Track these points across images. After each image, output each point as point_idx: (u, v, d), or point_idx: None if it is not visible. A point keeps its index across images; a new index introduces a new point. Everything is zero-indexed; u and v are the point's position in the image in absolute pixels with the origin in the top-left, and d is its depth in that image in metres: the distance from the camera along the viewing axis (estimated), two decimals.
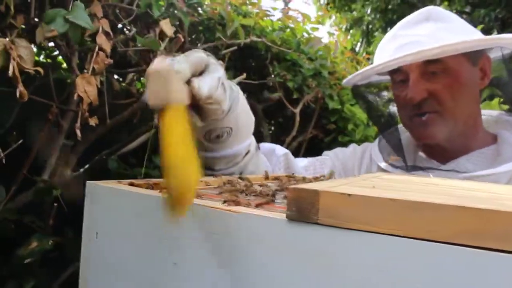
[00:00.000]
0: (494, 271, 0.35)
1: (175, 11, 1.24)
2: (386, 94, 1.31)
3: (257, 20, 1.52)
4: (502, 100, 1.30)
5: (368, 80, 1.22)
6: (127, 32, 1.17)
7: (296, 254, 0.44)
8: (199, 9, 1.43)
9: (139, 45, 1.11)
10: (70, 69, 1.05)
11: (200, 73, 0.69)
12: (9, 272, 1.00)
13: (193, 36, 1.44)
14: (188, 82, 0.65)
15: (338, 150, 1.29)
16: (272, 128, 1.93)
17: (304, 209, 0.44)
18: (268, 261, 0.45)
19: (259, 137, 1.56)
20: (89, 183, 0.60)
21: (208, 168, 0.88)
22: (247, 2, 1.54)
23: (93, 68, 0.94)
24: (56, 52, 1.28)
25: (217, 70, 0.71)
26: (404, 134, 1.18)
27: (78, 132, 0.94)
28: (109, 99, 1.10)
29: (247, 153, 0.92)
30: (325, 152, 1.29)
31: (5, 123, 1.09)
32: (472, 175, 0.96)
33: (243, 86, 1.40)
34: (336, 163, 1.22)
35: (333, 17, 9.12)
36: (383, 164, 1.14)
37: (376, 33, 8.73)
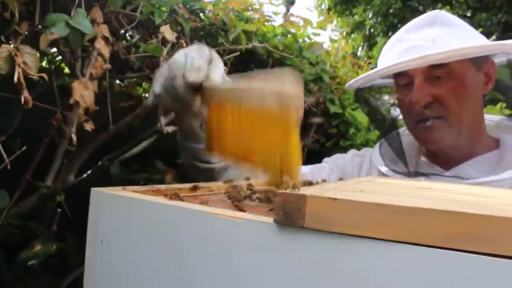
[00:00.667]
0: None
1: (177, 17, 1.25)
2: (388, 98, 1.31)
3: (259, 26, 1.52)
4: (504, 105, 1.30)
5: (371, 83, 1.22)
6: (129, 38, 1.18)
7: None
8: (201, 14, 1.44)
9: (141, 51, 1.11)
10: (73, 75, 1.05)
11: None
12: (13, 277, 1.01)
13: (195, 42, 1.45)
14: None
15: (337, 157, 1.29)
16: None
17: (291, 213, 0.44)
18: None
19: None
20: (93, 190, 0.60)
21: (201, 160, 0.92)
22: (249, 8, 1.54)
23: (91, 73, 0.95)
24: (59, 57, 1.29)
25: (221, 62, 0.80)
26: (407, 138, 1.17)
27: (74, 137, 0.94)
28: (112, 105, 1.11)
29: None
30: (325, 159, 1.29)
31: (9, 129, 1.10)
32: (475, 181, 0.96)
33: None
34: (335, 169, 1.22)
35: (335, 22, 9.14)
36: (384, 169, 1.13)
37: (377, 37, 8.74)
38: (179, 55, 0.77)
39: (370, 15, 8.98)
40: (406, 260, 0.39)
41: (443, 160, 1.08)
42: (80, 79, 0.93)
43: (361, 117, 1.73)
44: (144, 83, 1.40)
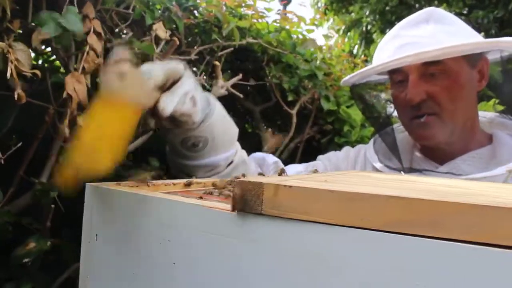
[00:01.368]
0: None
1: (171, 15, 1.25)
2: (383, 94, 1.31)
3: (252, 22, 1.52)
4: (497, 101, 1.30)
5: (366, 79, 1.23)
6: (123, 36, 1.18)
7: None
8: (195, 11, 1.44)
9: (136, 49, 1.12)
10: (67, 72, 1.05)
11: (173, 84, 0.76)
12: (7, 275, 1.01)
13: (189, 39, 1.45)
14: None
15: (331, 154, 1.30)
16: (270, 130, 1.94)
17: (250, 200, 0.46)
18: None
19: (257, 140, 1.57)
20: (88, 185, 0.61)
21: (190, 175, 0.91)
22: (243, 4, 1.55)
23: (83, 67, 0.95)
24: (54, 56, 1.29)
25: (186, 83, 0.78)
26: (402, 134, 1.18)
27: (67, 131, 0.94)
28: None
29: (230, 163, 0.94)
30: (319, 157, 1.30)
31: (3, 126, 1.10)
32: (468, 177, 0.97)
33: (240, 88, 1.41)
34: (329, 167, 1.23)
35: (331, 20, 9.14)
36: (378, 165, 1.14)
37: (374, 35, 8.74)
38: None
39: (367, 13, 8.98)
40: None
41: (437, 155, 1.09)
42: (73, 72, 0.93)
43: (356, 114, 1.74)
44: None
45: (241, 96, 1.35)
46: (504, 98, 1.18)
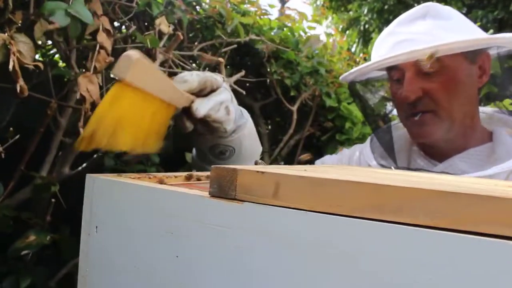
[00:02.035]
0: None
1: (174, 9, 1.24)
2: (381, 92, 1.30)
3: (255, 19, 1.52)
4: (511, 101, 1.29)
5: (364, 77, 1.22)
6: (125, 30, 1.17)
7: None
8: (198, 7, 1.43)
9: (138, 41, 1.11)
10: (69, 67, 1.04)
11: (210, 92, 0.80)
12: (6, 269, 1.00)
13: (191, 35, 1.44)
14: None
15: (326, 157, 1.29)
16: (269, 127, 1.93)
17: (224, 186, 0.48)
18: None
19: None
20: (89, 176, 0.60)
21: None
22: (246, 0, 1.54)
23: (95, 66, 0.94)
24: (53, 51, 1.28)
25: (223, 93, 0.82)
26: (402, 130, 1.17)
27: (82, 131, 0.94)
28: None
29: None
30: (316, 162, 1.29)
31: (3, 120, 1.09)
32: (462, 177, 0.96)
33: (240, 84, 1.40)
34: None
35: (330, 18, 9.14)
36: (373, 163, 1.13)
37: (372, 34, 8.74)
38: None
39: (365, 12, 8.97)
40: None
41: (436, 153, 1.08)
42: (85, 73, 0.92)
43: (357, 111, 1.73)
44: None
45: (244, 92, 1.34)
46: (503, 95, 1.17)
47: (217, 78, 0.83)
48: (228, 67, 1.54)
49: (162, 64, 1.15)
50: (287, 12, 1.71)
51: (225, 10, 1.35)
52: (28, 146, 1.00)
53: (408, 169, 1.09)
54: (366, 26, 9.11)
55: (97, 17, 0.92)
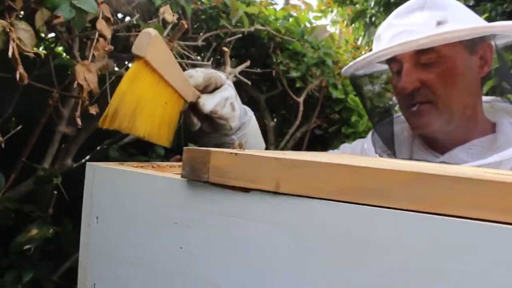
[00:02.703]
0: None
1: None
2: (381, 85, 1.28)
3: (260, 9, 1.49)
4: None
5: (367, 70, 1.20)
6: (129, 18, 1.15)
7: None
8: None
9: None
10: (71, 56, 1.03)
11: (214, 89, 0.82)
12: (8, 263, 0.99)
13: (196, 25, 1.42)
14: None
15: (328, 152, 1.28)
16: (275, 120, 1.91)
17: (197, 168, 0.47)
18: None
19: (263, 129, 1.54)
20: (89, 164, 0.58)
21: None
22: None
23: (93, 55, 0.92)
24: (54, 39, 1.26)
25: (228, 90, 0.84)
26: (404, 124, 1.16)
27: (79, 121, 0.92)
28: (110, 87, 1.08)
29: None
30: None
31: (5, 110, 1.08)
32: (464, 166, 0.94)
33: (246, 75, 1.38)
34: None
35: (335, 11, 9.08)
36: (373, 155, 1.12)
37: (378, 27, 8.68)
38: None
39: (372, 4, 8.91)
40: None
41: (438, 145, 1.07)
42: (83, 61, 0.90)
43: None
44: None
45: (249, 83, 1.32)
46: (501, 84, 1.15)
47: (221, 75, 0.84)
48: (233, 58, 1.52)
49: None
50: (292, 1, 1.69)
51: (230, 0, 1.33)
52: (30, 137, 0.98)
53: (410, 159, 1.08)
54: (373, 19, 9.05)
55: (97, 5, 0.90)
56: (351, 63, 1.13)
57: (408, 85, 0.99)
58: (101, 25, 0.93)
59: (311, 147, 1.74)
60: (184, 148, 0.48)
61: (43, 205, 1.03)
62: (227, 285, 0.45)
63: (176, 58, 1.18)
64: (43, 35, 1.11)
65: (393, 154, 1.11)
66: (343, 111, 1.74)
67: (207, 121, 0.84)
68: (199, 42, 1.32)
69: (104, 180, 0.57)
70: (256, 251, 0.43)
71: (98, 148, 1.22)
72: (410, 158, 1.10)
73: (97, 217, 0.56)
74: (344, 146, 1.27)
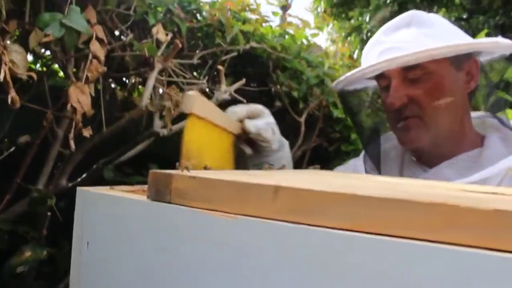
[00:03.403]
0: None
1: (173, 17, 1.22)
2: (369, 101, 1.28)
3: (256, 27, 1.50)
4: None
5: (355, 86, 1.21)
6: (124, 38, 1.15)
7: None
8: (198, 15, 1.41)
9: (136, 50, 1.09)
10: (66, 76, 1.02)
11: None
12: (2, 286, 0.97)
13: (192, 43, 1.42)
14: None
15: None
16: None
17: (160, 190, 0.50)
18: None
19: None
20: (79, 189, 0.57)
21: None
22: (247, 8, 1.52)
23: (87, 76, 0.92)
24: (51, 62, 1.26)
25: (269, 118, 0.97)
26: (394, 141, 1.16)
27: (72, 143, 0.92)
28: (105, 107, 1.08)
29: None
30: None
31: (0, 132, 1.07)
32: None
33: (242, 93, 1.38)
34: None
35: (331, 25, 9.14)
36: (363, 173, 1.12)
37: None
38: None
39: (367, 19, 8.97)
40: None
41: (426, 158, 1.08)
42: (76, 83, 0.90)
43: None
44: (140, 87, 1.37)
45: (245, 101, 1.32)
46: (487, 100, 1.16)
47: (259, 106, 0.97)
48: (229, 76, 1.52)
49: (160, 73, 1.13)
50: (289, 19, 1.69)
51: (225, 18, 1.33)
52: (25, 158, 0.98)
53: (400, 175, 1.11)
54: (369, 34, 9.10)
55: (91, 26, 0.91)
56: (340, 78, 1.14)
57: (396, 100, 1.01)
58: (94, 46, 0.93)
59: (312, 165, 1.73)
60: (150, 171, 0.51)
61: (38, 226, 1.02)
62: None
63: (171, 77, 1.18)
64: (35, 51, 1.11)
65: (378, 171, 1.12)
66: (343, 129, 1.74)
67: (251, 145, 0.96)
68: (195, 60, 1.32)
69: (95, 205, 0.56)
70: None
71: (94, 167, 1.21)
72: (401, 173, 1.12)
73: (87, 242, 0.55)
74: (338, 168, 1.27)
